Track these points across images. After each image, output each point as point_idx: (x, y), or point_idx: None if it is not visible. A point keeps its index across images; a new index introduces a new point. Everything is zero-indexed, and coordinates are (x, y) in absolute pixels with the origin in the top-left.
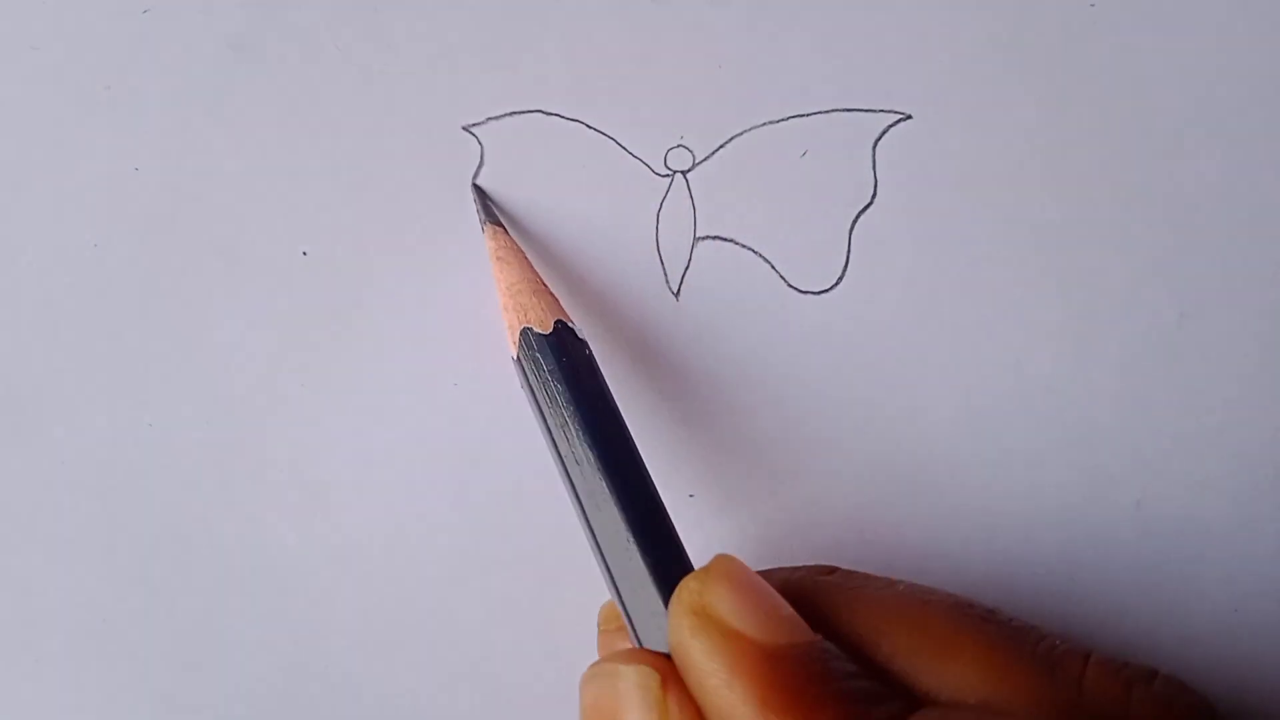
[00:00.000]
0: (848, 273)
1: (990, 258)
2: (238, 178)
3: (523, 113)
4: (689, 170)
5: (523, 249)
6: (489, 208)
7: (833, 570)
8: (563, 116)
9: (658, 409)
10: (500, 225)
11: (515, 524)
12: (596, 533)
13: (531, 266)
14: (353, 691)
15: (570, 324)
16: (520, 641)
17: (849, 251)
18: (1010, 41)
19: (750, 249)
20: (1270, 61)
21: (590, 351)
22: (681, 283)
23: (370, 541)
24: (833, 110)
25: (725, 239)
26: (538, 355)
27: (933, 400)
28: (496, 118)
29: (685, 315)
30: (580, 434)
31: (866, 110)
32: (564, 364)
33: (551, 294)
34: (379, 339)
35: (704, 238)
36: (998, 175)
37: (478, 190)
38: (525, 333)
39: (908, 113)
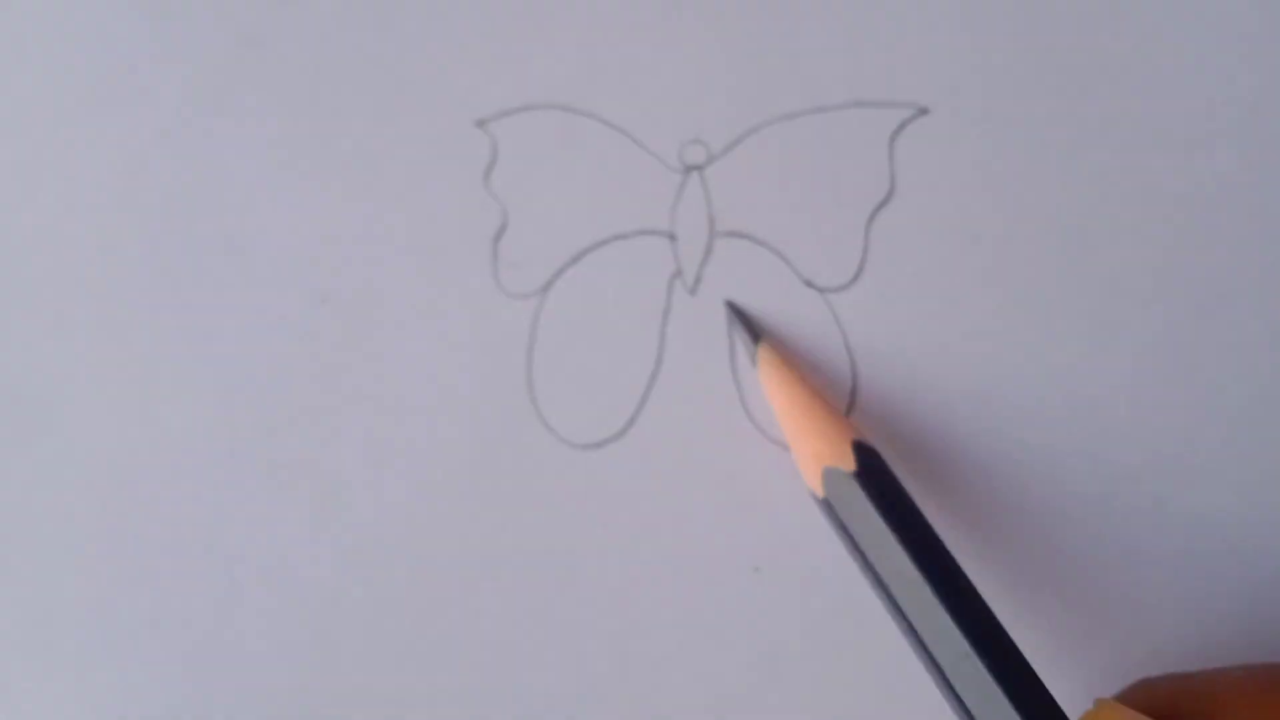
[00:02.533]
0: (865, 268)
1: (1008, 253)
2: (247, 173)
3: (536, 108)
4: (704, 166)
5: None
6: (749, 321)
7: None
8: (577, 111)
9: (674, 400)
10: (767, 340)
11: (529, 525)
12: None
13: (805, 381)
14: (364, 695)
15: (867, 443)
16: (534, 645)
17: (866, 247)
18: (1029, 35)
19: (766, 245)
20: None
21: (887, 468)
22: (698, 279)
23: (383, 544)
24: (849, 104)
25: (742, 234)
26: (849, 495)
27: (949, 397)
28: (510, 113)
29: (701, 311)
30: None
31: (884, 105)
32: (879, 499)
33: (836, 413)
34: (391, 338)
35: (720, 233)
36: (1016, 170)
37: (732, 308)
38: (830, 473)
39: (925, 106)
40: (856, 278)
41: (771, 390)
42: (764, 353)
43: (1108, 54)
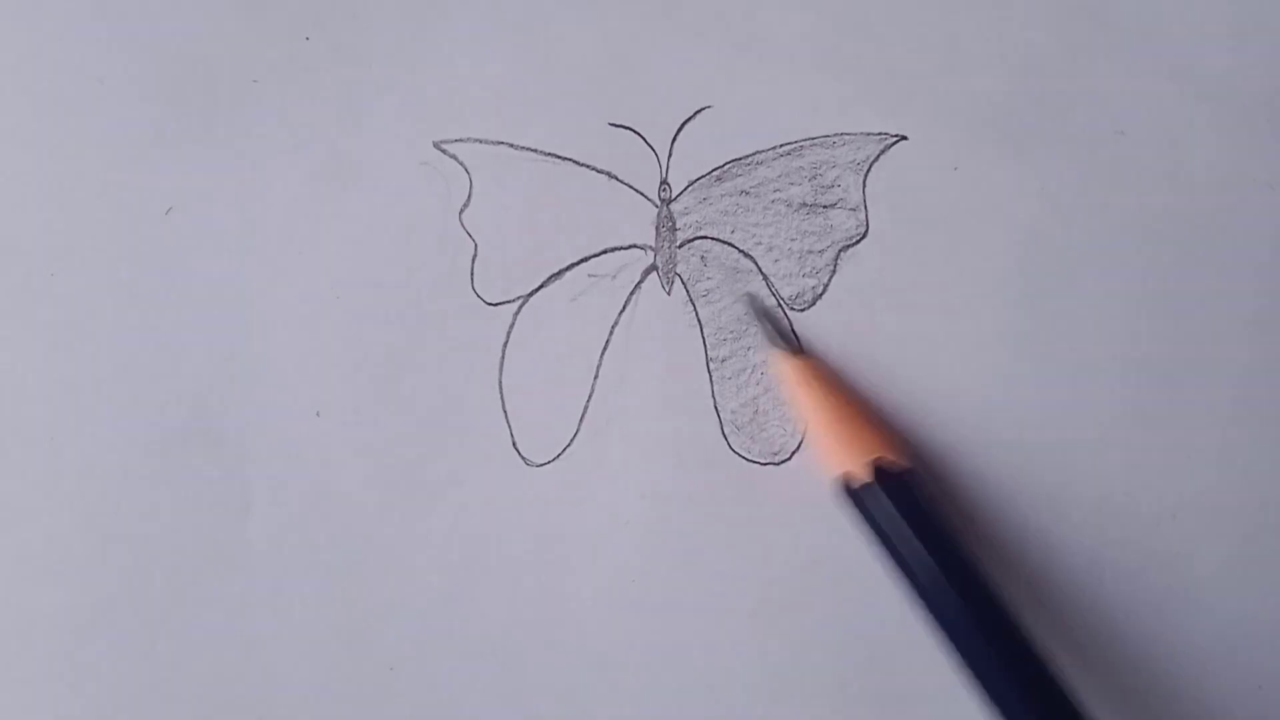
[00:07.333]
0: (828, 291)
1: (985, 274)
2: (222, 188)
3: (489, 143)
4: (674, 199)
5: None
6: (787, 333)
7: None
8: (558, 157)
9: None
10: (805, 353)
11: (515, 526)
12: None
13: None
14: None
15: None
16: (534, 640)
17: (833, 272)
18: (1007, 78)
19: (736, 265)
20: (1262, 86)
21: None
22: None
23: (357, 545)
24: (826, 136)
25: (712, 250)
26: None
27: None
28: (482, 141)
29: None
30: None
31: (862, 134)
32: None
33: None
34: (358, 333)
35: (690, 240)
36: (988, 203)
37: (761, 312)
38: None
39: (903, 134)
40: (820, 297)
41: (813, 396)
42: (804, 365)
43: (1081, 100)
